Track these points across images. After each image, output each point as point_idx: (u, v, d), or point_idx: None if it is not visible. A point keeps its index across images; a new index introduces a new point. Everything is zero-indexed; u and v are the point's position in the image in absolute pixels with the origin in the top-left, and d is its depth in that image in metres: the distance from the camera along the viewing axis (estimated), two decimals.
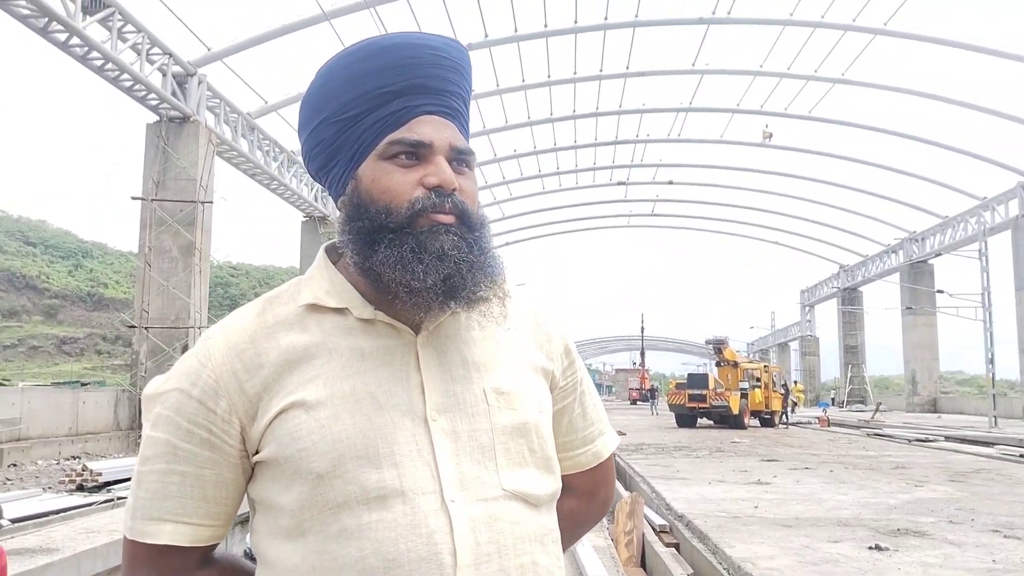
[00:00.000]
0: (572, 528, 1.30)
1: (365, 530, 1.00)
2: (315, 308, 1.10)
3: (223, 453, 1.06)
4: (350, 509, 1.00)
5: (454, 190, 1.07)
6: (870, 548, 6.39)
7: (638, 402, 59.95)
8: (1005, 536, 6.93)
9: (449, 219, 1.06)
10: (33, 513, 8.27)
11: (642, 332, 69.11)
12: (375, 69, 1.10)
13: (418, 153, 1.08)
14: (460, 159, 1.11)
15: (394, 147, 1.08)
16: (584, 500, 1.31)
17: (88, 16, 16.05)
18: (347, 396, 1.04)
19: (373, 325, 1.09)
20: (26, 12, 14.87)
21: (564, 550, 1.27)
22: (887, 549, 6.35)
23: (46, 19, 15.16)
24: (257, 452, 1.06)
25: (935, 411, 37.24)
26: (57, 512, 8.49)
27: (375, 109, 1.10)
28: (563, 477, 1.22)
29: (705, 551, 6.44)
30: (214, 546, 1.12)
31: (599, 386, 61.64)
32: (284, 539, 1.04)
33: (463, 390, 1.09)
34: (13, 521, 7.77)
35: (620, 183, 39.35)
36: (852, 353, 48.50)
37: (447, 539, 1.00)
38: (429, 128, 1.09)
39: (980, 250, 27.38)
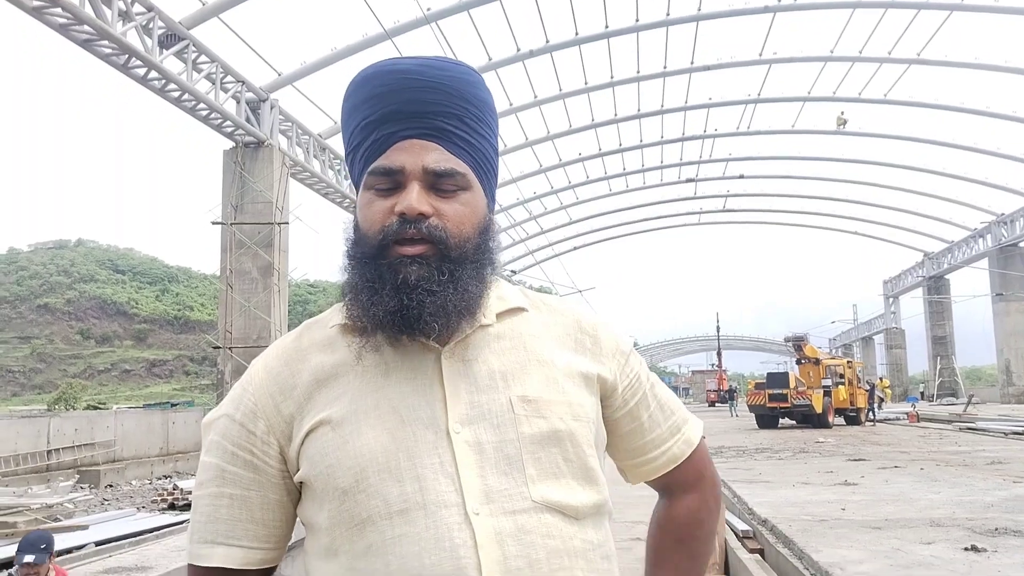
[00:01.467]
0: (699, 525, 1.27)
1: (390, 545, 1.01)
2: (346, 328, 1.13)
3: (265, 474, 1.10)
4: (374, 524, 1.02)
5: (421, 216, 1.05)
6: (966, 549, 6.12)
7: (716, 404, 58.95)
8: None
9: (416, 249, 1.05)
10: (128, 532, 8.64)
11: (718, 331, 67.98)
12: (361, 101, 1.13)
13: (395, 180, 1.08)
14: (442, 181, 1.08)
15: (372, 177, 1.10)
16: (696, 491, 1.27)
17: (164, 50, 16.70)
18: (370, 411, 1.06)
19: (399, 342, 1.09)
20: (108, 51, 15.55)
21: (708, 552, 1.30)
22: (985, 550, 6.07)
23: (126, 56, 15.84)
24: (297, 472, 1.09)
25: None
26: (150, 531, 8.85)
27: (364, 141, 1.12)
28: (665, 477, 1.26)
29: (791, 556, 6.28)
30: (271, 570, 1.15)
31: (675, 388, 60.87)
32: (323, 559, 1.06)
33: (488, 400, 1.07)
34: (98, 544, 8.11)
35: (689, 180, 38.83)
36: (940, 344, 46.63)
37: (471, 553, 0.99)
38: (403, 154, 1.08)
39: None
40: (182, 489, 12.18)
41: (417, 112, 1.09)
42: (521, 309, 1.17)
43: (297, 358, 1.13)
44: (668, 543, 1.26)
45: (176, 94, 17.50)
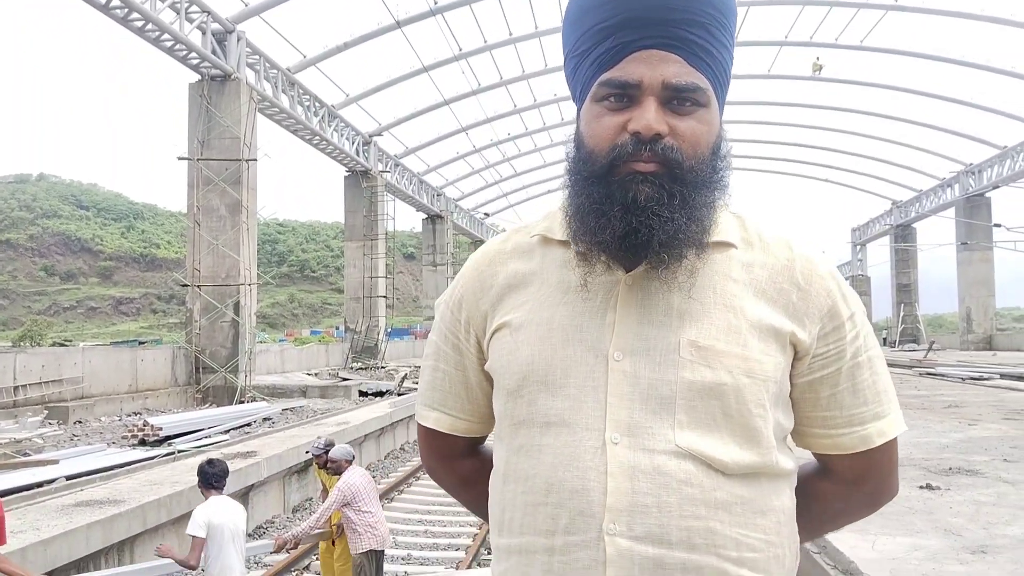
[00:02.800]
0: (822, 514, 1.20)
1: (535, 451, 1.05)
2: (546, 240, 1.14)
3: (467, 358, 1.20)
4: (527, 428, 1.07)
5: (657, 136, 0.99)
6: (921, 487, 6.33)
7: None
8: None
9: (649, 167, 1.00)
10: (99, 467, 8.63)
11: None
12: (595, 3, 1.04)
13: (628, 94, 1.01)
14: (681, 97, 1.01)
15: (603, 88, 1.03)
16: (844, 487, 1.18)
17: None
18: (542, 324, 1.08)
19: (590, 259, 1.07)
20: None
21: (811, 537, 1.23)
22: (939, 488, 6.29)
23: None
24: (486, 363, 1.16)
25: (990, 349, 36.43)
26: (121, 466, 8.85)
27: (595, 47, 1.04)
28: (821, 457, 1.18)
29: None
30: (481, 440, 1.28)
31: None
32: (498, 442, 1.14)
33: (657, 336, 1.04)
34: (69, 478, 8.11)
35: None
36: (905, 292, 47.48)
37: (601, 478, 1.00)
38: (641, 66, 1.01)
39: None
40: (152, 425, 12.17)
41: (660, 19, 1.01)
42: (730, 245, 1.09)
43: (499, 260, 1.17)
44: (798, 496, 1.16)
45: (139, 23, 16.96)
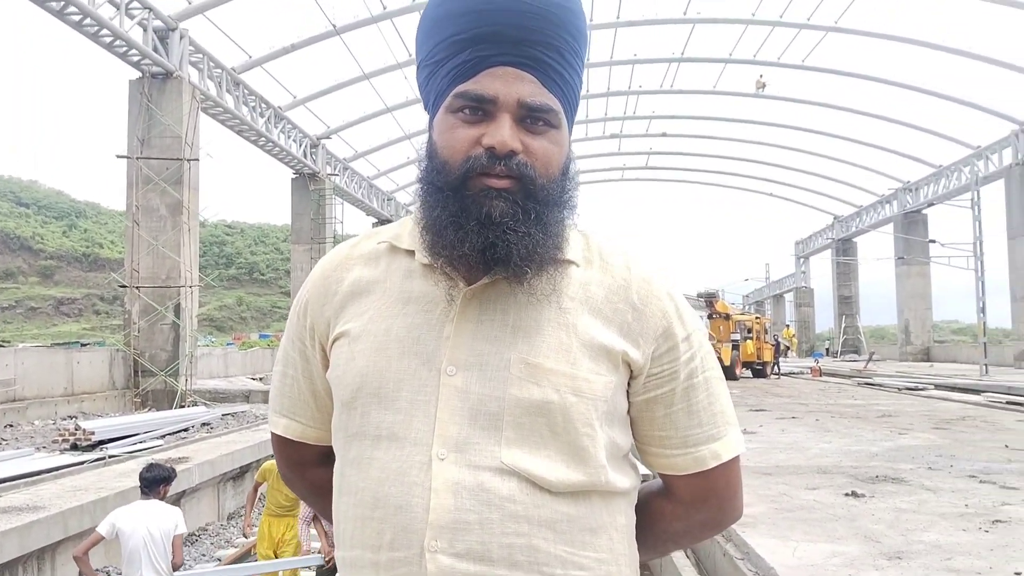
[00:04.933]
0: (662, 534, 1.19)
1: (366, 465, 1.04)
2: (392, 248, 1.13)
3: (312, 364, 1.17)
4: (360, 441, 1.05)
5: (511, 152, 1.00)
6: (846, 495, 6.48)
7: None
8: (981, 481, 7.03)
9: (502, 183, 1.00)
10: (23, 472, 8.36)
11: None
12: (453, 13, 1.04)
13: (483, 108, 1.01)
14: (534, 117, 1.02)
15: (458, 100, 1.03)
16: (682, 508, 1.17)
17: None
18: (379, 335, 1.07)
19: (432, 271, 1.06)
20: None
21: (653, 556, 1.22)
22: (863, 496, 6.44)
23: None
24: (327, 370, 1.14)
25: (928, 360, 37.49)
26: (47, 471, 8.59)
27: (450, 58, 1.04)
28: (662, 476, 1.17)
29: None
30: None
31: None
32: (336, 454, 1.13)
33: (490, 352, 1.03)
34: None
35: (613, 136, 39.01)
36: (846, 303, 48.65)
37: (425, 494, 0.99)
38: (497, 82, 1.01)
39: (973, 199, 27.28)
40: (84, 429, 11.84)
41: (517, 38, 1.01)
42: (570, 263, 1.09)
43: (345, 266, 1.15)
44: (640, 513, 1.17)
45: (77, 18, 16.54)
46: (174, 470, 5.62)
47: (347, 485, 1.07)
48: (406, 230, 1.14)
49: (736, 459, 1.16)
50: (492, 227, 0.99)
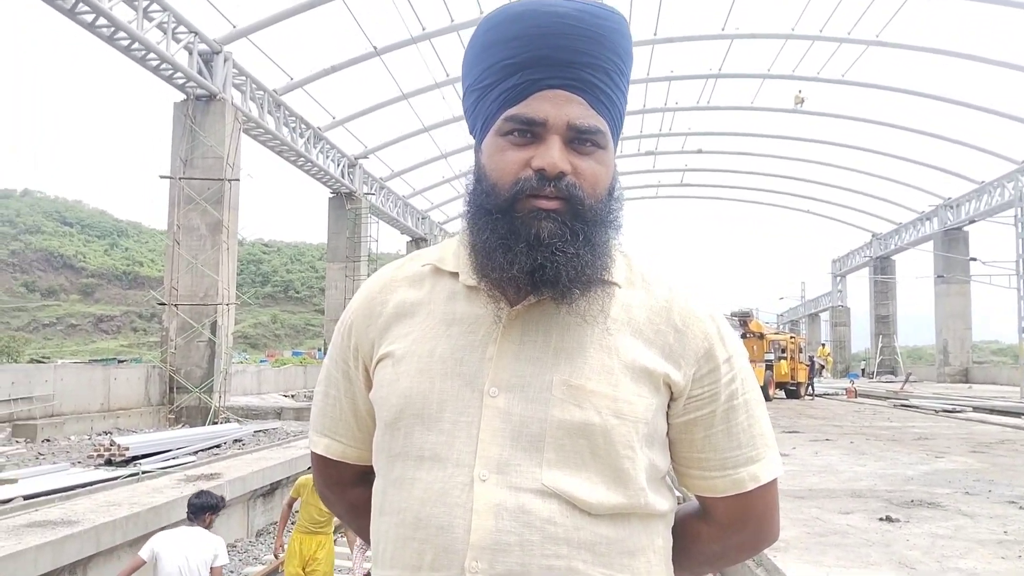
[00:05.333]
0: (698, 555, 1.20)
1: (408, 485, 1.05)
2: (436, 270, 1.15)
3: (356, 385, 1.19)
4: (403, 461, 1.07)
5: (561, 174, 1.02)
6: (881, 519, 6.35)
7: None
8: (1021, 507, 6.84)
9: (552, 204, 1.02)
10: (58, 487, 8.51)
11: None
12: (502, 39, 1.06)
13: (533, 131, 1.04)
14: (582, 138, 1.05)
15: (508, 123, 1.05)
16: (719, 530, 1.18)
17: None
18: (423, 356, 1.09)
19: (476, 293, 1.09)
20: None
21: (692, 571, 1.21)
22: (898, 520, 6.30)
23: (73, 0, 15.29)
24: (371, 391, 1.16)
25: (967, 381, 36.66)
26: (82, 486, 8.73)
27: (500, 82, 1.06)
28: (700, 498, 1.18)
29: None
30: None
31: None
32: (377, 474, 1.14)
33: (534, 373, 1.05)
34: (27, 497, 7.99)
35: (648, 153, 38.95)
36: (883, 323, 47.79)
37: (466, 515, 1.00)
38: (546, 104, 1.03)
39: (1016, 216, 26.72)
40: (119, 445, 12.02)
41: (567, 61, 1.04)
42: (613, 284, 1.10)
43: (390, 287, 1.17)
44: (677, 535, 1.18)
45: (125, 43, 16.98)
46: (223, 499, 5.63)
47: (388, 505, 1.09)
48: (449, 252, 1.16)
49: (774, 481, 1.17)
50: (541, 248, 1.01)
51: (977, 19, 28.64)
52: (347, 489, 1.28)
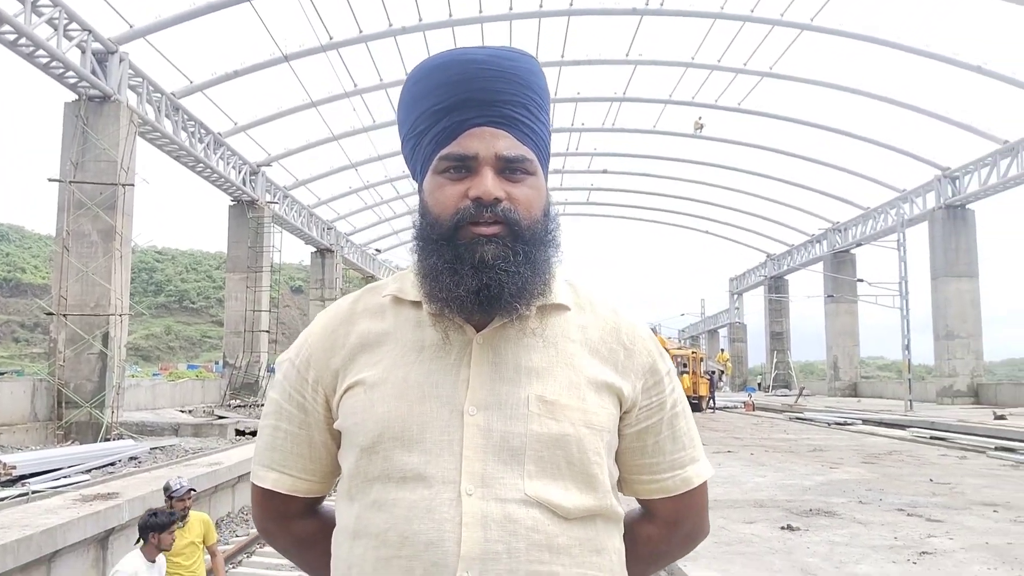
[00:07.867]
0: (648, 557, 1.29)
1: (390, 506, 1.09)
2: (397, 300, 1.21)
3: (313, 417, 1.22)
4: (382, 484, 1.10)
5: (496, 200, 1.10)
6: (782, 528, 6.61)
7: None
8: (908, 515, 7.25)
9: (492, 230, 1.10)
10: None
11: None
12: (429, 88, 1.16)
13: (466, 166, 1.12)
14: (512, 167, 1.13)
15: (444, 162, 1.14)
16: (665, 529, 1.28)
17: None
18: (398, 382, 1.13)
19: (442, 320, 1.14)
20: None
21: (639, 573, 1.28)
22: (798, 529, 6.57)
23: None
24: (336, 421, 1.19)
25: (856, 395, 38.57)
26: None
27: (432, 126, 1.16)
28: (647, 502, 1.28)
29: None
30: (320, 500, 1.30)
31: None
32: (344, 500, 1.16)
33: (508, 392, 1.12)
34: None
35: (555, 171, 39.51)
36: (778, 339, 49.81)
37: (455, 528, 1.05)
38: (475, 141, 1.13)
39: (899, 240, 28.42)
40: (5, 463, 11.28)
41: (489, 100, 1.14)
42: (565, 308, 1.20)
43: (349, 320, 1.22)
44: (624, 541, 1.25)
45: (11, 37, 16.09)
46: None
47: (365, 528, 1.11)
48: (408, 283, 1.21)
49: (706, 480, 1.30)
50: (486, 270, 1.09)
51: (862, 56, 30.58)
52: (293, 522, 1.29)
